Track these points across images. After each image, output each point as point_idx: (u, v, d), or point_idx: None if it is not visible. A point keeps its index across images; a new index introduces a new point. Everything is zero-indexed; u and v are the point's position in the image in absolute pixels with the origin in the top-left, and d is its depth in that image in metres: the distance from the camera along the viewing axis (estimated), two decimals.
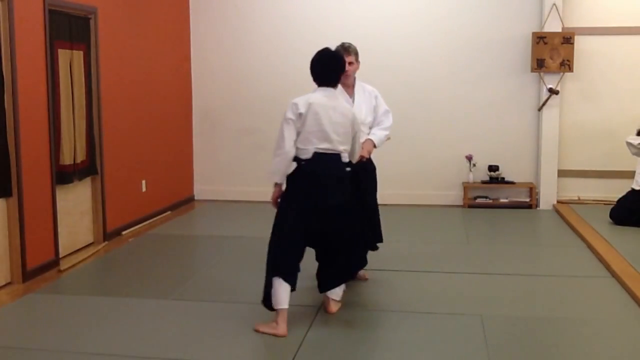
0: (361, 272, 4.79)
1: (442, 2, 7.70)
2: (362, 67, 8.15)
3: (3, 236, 4.87)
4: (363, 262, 4.39)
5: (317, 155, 3.91)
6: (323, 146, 3.91)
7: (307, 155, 3.92)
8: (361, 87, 4.80)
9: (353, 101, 4.70)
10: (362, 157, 4.45)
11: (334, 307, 4.22)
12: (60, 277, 5.13)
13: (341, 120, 3.97)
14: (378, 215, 4.90)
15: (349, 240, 4.09)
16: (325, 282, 4.18)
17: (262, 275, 5.02)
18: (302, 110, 3.91)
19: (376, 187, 4.86)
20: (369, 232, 4.67)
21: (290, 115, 3.92)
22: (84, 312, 4.30)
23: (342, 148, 3.99)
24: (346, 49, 4.68)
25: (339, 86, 4.37)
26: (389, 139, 4.83)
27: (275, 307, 3.91)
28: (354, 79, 4.77)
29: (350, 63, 4.64)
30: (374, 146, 4.67)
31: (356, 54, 4.76)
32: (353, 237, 4.12)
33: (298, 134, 3.92)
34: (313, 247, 4.17)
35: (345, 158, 4.04)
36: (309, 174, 3.92)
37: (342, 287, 4.26)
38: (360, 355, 3.69)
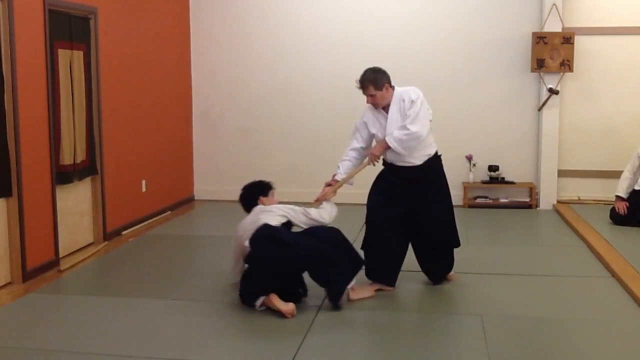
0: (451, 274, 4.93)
1: (442, 2, 7.70)
2: (361, 67, 8.11)
3: (3, 236, 4.87)
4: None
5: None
6: None
7: None
8: (398, 97, 4.54)
9: (387, 118, 4.55)
10: (371, 155, 4.54)
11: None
12: (60, 277, 5.13)
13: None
14: (453, 232, 4.81)
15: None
16: None
17: None
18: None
19: (443, 199, 4.67)
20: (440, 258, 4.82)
21: None
22: (84, 312, 4.31)
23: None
24: (360, 85, 4.55)
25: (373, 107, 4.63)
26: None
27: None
28: (390, 97, 4.55)
29: (371, 96, 4.52)
30: (387, 147, 4.44)
31: (373, 82, 4.48)
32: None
33: None
34: None
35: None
36: None
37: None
38: (360, 355, 3.69)
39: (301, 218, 4.42)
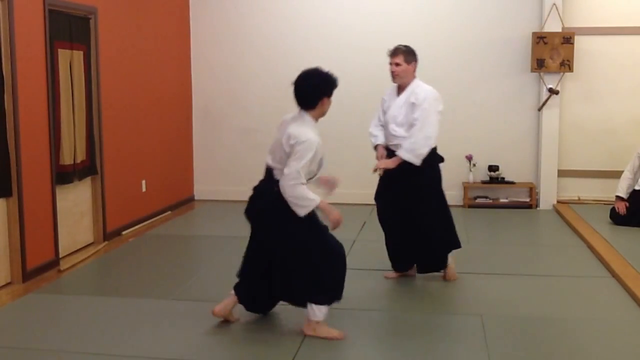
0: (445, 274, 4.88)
1: (442, 2, 7.70)
2: (361, 66, 8.13)
3: (3, 236, 4.87)
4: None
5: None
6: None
7: None
8: (414, 87, 4.64)
9: (398, 99, 4.69)
10: (377, 168, 4.62)
11: (306, 329, 3.88)
12: (60, 277, 5.14)
13: (278, 138, 3.88)
14: (436, 233, 4.73)
15: (286, 260, 3.82)
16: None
17: None
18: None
19: (427, 204, 4.67)
20: (426, 255, 4.77)
21: None
22: (84, 312, 4.31)
23: (272, 164, 3.88)
24: (392, 50, 4.70)
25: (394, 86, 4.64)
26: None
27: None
28: (411, 79, 4.67)
29: (396, 64, 4.64)
30: (402, 160, 4.53)
31: (405, 53, 4.65)
32: (289, 258, 3.80)
33: None
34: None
35: (275, 175, 3.82)
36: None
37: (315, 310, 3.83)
38: (359, 356, 3.69)
39: (292, 164, 3.67)
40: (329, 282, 3.82)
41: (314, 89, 3.86)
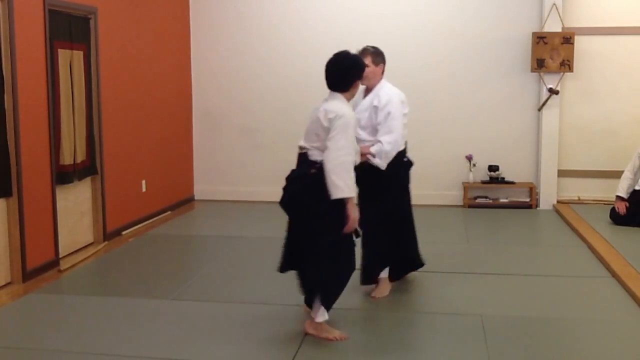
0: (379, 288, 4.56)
1: (442, 2, 7.70)
2: None
3: (3, 236, 4.87)
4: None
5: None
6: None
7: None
8: (379, 90, 4.53)
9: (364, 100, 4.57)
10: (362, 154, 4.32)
11: (308, 327, 3.87)
12: (60, 277, 5.14)
13: (314, 117, 3.82)
14: (371, 242, 4.46)
15: (308, 249, 3.77)
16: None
17: (260, 275, 5.04)
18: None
19: (375, 210, 4.42)
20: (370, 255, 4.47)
21: None
22: (84, 312, 4.31)
23: (308, 145, 3.80)
24: (360, 51, 4.54)
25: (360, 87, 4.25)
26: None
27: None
28: (378, 81, 4.58)
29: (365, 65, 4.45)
30: (373, 155, 4.36)
31: (374, 54, 4.58)
32: (312, 247, 3.74)
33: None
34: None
35: (312, 156, 3.75)
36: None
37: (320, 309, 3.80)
38: (359, 356, 3.69)
39: (330, 143, 3.63)
40: (336, 280, 3.81)
41: (347, 72, 3.86)
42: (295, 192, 3.78)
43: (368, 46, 4.66)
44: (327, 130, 3.68)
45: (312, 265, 3.76)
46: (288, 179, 3.88)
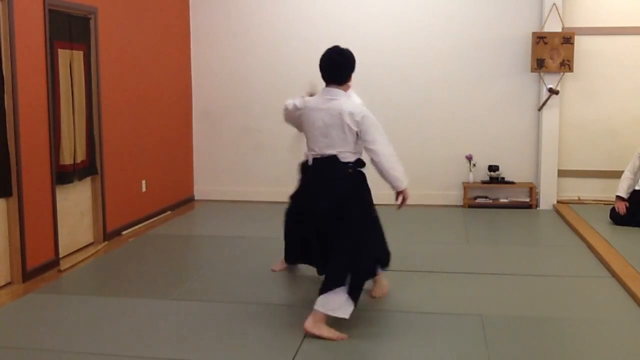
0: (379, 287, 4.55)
1: (442, 2, 7.70)
2: (361, 67, 8.14)
3: (3, 236, 4.87)
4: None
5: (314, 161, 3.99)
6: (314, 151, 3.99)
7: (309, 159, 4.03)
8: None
9: None
10: None
11: (309, 327, 3.83)
12: (60, 277, 5.14)
13: (331, 121, 3.90)
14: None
15: (340, 244, 3.89)
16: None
17: (260, 275, 5.04)
18: (299, 105, 4.08)
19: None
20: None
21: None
22: (84, 312, 4.31)
23: (335, 151, 3.91)
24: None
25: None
26: None
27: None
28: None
29: None
30: None
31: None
32: (344, 243, 3.88)
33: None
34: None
35: (345, 158, 3.92)
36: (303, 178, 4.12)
37: (333, 300, 3.82)
38: (360, 356, 3.69)
39: (376, 137, 3.84)
40: (361, 274, 3.92)
41: (347, 64, 3.98)
42: (341, 194, 3.87)
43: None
44: (356, 133, 3.85)
45: (351, 255, 3.83)
46: (313, 183, 3.96)
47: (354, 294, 3.86)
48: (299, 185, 4.35)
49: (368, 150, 3.91)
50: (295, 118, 4.18)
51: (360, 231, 3.92)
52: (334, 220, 3.90)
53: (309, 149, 4.07)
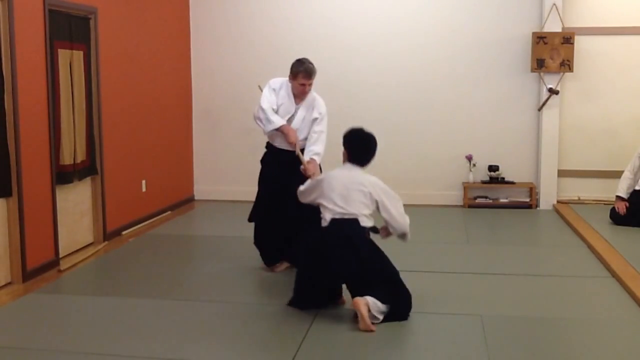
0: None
1: (442, 2, 7.70)
2: (361, 67, 8.19)
3: (3, 236, 4.87)
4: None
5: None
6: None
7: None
8: (311, 100, 4.98)
9: (296, 110, 4.97)
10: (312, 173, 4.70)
11: (361, 305, 3.98)
12: (60, 277, 5.13)
13: (351, 187, 4.18)
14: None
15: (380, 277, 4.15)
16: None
17: (261, 275, 5.04)
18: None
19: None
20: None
21: None
22: (84, 312, 4.31)
23: (358, 212, 4.15)
24: (310, 73, 4.85)
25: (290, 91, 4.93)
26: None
27: None
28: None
29: (309, 85, 4.89)
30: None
31: (315, 73, 4.90)
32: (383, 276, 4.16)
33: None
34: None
35: (363, 222, 4.15)
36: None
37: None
38: (360, 356, 3.69)
39: (392, 211, 4.19)
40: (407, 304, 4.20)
41: (374, 152, 4.30)
42: (364, 258, 4.05)
43: (311, 64, 4.89)
44: (375, 201, 4.17)
45: (394, 286, 4.13)
46: (333, 243, 4.07)
47: (388, 316, 4.02)
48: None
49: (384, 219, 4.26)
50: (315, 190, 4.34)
51: (391, 272, 4.19)
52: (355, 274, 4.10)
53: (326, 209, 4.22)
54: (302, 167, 4.76)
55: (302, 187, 4.48)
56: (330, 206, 4.15)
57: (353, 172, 4.23)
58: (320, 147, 4.90)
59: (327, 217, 4.16)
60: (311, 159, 4.83)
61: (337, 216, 4.12)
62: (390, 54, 7.79)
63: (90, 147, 5.92)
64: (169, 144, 7.55)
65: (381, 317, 4.00)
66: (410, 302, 4.13)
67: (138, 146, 6.82)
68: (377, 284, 4.04)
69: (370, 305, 3.94)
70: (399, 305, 4.07)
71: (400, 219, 4.24)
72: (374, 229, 4.23)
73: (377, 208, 4.19)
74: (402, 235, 4.35)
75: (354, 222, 4.11)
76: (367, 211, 4.15)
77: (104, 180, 6.15)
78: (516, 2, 7.58)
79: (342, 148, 4.37)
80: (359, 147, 4.27)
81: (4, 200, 4.88)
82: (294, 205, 4.63)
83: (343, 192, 4.14)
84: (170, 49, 7.58)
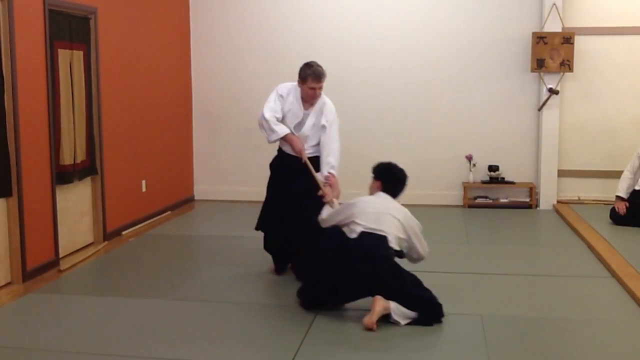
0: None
1: (442, 3, 7.70)
2: (361, 67, 8.20)
3: (3, 236, 4.87)
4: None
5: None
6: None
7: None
8: (321, 104, 4.89)
9: (306, 116, 4.89)
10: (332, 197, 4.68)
11: (379, 304, 3.99)
12: (60, 277, 5.13)
13: (385, 213, 4.30)
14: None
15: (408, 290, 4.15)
16: None
17: (260, 275, 5.04)
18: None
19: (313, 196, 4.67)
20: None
21: None
22: (84, 312, 4.31)
23: (390, 232, 4.23)
24: (320, 76, 4.77)
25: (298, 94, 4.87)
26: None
27: None
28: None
29: (320, 88, 4.80)
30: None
31: (325, 76, 4.82)
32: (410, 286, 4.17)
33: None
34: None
35: (391, 242, 4.21)
36: None
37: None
38: (360, 356, 3.69)
39: (416, 245, 4.37)
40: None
41: (406, 186, 4.51)
42: (381, 273, 4.06)
43: (320, 68, 4.82)
44: (406, 233, 4.30)
45: (421, 292, 4.15)
46: (361, 258, 4.07)
47: (415, 321, 4.02)
48: None
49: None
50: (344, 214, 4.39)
51: (413, 279, 4.23)
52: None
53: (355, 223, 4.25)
54: (320, 191, 4.65)
55: (324, 215, 4.50)
56: (363, 223, 4.19)
57: (388, 201, 4.36)
58: (334, 159, 4.78)
59: (357, 229, 4.18)
60: (329, 174, 4.72)
61: (367, 230, 4.16)
62: (391, 54, 7.78)
63: (90, 147, 5.92)
64: (169, 144, 7.55)
65: (403, 322, 3.97)
66: (441, 311, 4.06)
67: (138, 146, 6.82)
68: (400, 299, 4.00)
69: (392, 308, 3.95)
70: (425, 313, 4.02)
71: (424, 253, 4.44)
72: (399, 253, 4.30)
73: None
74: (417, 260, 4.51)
75: (382, 238, 4.15)
76: (397, 233, 4.23)
77: (104, 180, 6.15)
78: (516, 2, 7.58)
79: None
80: (394, 181, 4.44)
81: (4, 200, 4.88)
82: (294, 210, 4.64)
83: (377, 215, 4.23)
84: (170, 49, 7.58)
